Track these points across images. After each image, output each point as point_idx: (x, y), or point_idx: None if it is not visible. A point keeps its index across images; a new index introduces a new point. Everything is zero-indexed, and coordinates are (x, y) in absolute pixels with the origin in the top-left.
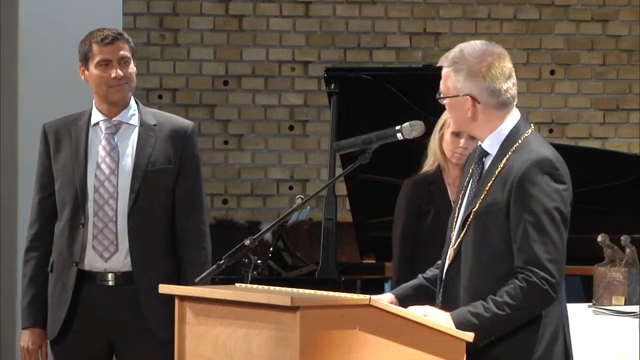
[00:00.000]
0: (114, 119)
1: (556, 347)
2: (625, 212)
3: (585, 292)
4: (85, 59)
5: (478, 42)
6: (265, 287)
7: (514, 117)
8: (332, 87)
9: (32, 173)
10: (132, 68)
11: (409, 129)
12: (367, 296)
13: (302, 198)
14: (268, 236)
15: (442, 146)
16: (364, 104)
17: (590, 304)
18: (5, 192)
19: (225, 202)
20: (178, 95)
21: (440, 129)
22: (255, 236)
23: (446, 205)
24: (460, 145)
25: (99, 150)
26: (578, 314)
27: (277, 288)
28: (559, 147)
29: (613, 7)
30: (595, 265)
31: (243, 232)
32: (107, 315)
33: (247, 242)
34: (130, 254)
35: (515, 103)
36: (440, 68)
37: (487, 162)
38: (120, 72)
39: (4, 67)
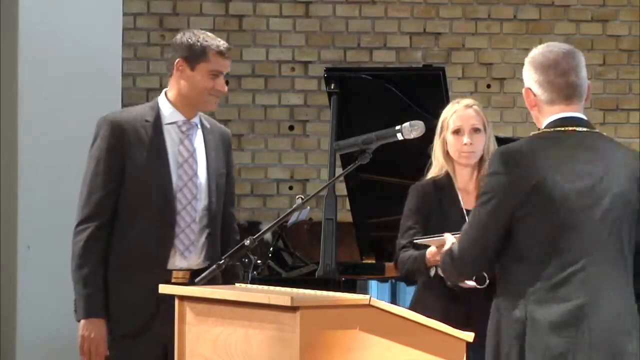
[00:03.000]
0: (191, 121)
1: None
2: None
3: None
4: (194, 59)
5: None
6: (265, 287)
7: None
8: (332, 87)
9: (32, 173)
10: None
11: (409, 129)
12: (367, 296)
13: (302, 198)
14: (268, 236)
15: (447, 150)
16: (364, 104)
17: None
18: (5, 192)
19: None
20: None
21: (441, 132)
22: (255, 236)
23: (457, 214)
24: (464, 142)
25: (180, 151)
26: None
27: (277, 288)
28: None
29: (613, 7)
30: None
31: (243, 232)
32: None
33: (247, 242)
34: (205, 253)
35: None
36: (434, 67)
37: None
38: (225, 88)
39: (4, 66)
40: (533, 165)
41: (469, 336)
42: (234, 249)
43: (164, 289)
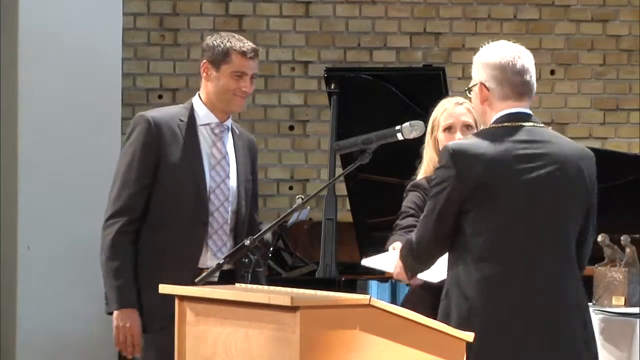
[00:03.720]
0: (224, 123)
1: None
2: (625, 212)
3: (586, 291)
4: (218, 60)
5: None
6: (265, 287)
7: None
8: (332, 87)
9: (32, 173)
10: (254, 83)
11: (409, 129)
12: (367, 296)
13: (302, 198)
14: (268, 236)
15: (439, 148)
16: (364, 103)
17: (591, 303)
18: (5, 192)
19: None
20: (178, 95)
21: (432, 132)
22: (255, 236)
23: None
24: (457, 139)
25: (213, 152)
26: None
27: (277, 288)
28: None
29: (613, 7)
30: (596, 265)
31: None
32: None
33: (247, 242)
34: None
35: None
36: (434, 67)
37: None
38: (251, 88)
39: (4, 66)
40: (481, 160)
41: (469, 336)
42: (233, 249)
43: (163, 288)
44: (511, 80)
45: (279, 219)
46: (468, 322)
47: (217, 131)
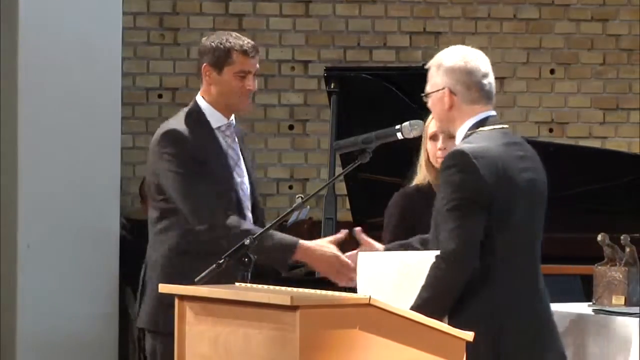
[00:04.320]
0: (230, 121)
1: None
2: (625, 212)
3: (585, 291)
4: (219, 62)
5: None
6: (265, 286)
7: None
8: (332, 87)
9: (32, 173)
10: (256, 82)
11: (408, 129)
12: (367, 295)
13: (302, 197)
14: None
15: (430, 158)
16: (363, 103)
17: (590, 303)
18: (5, 192)
19: None
20: (178, 95)
21: (423, 140)
22: (255, 235)
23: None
24: (438, 147)
25: (230, 154)
26: (578, 313)
27: (277, 287)
28: (559, 147)
29: (613, 6)
30: (595, 265)
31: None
32: None
33: (246, 241)
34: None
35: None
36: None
37: None
38: (255, 86)
39: (4, 66)
40: (496, 163)
41: (469, 335)
42: (233, 248)
43: (163, 288)
44: (479, 84)
45: (278, 218)
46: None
47: (228, 133)
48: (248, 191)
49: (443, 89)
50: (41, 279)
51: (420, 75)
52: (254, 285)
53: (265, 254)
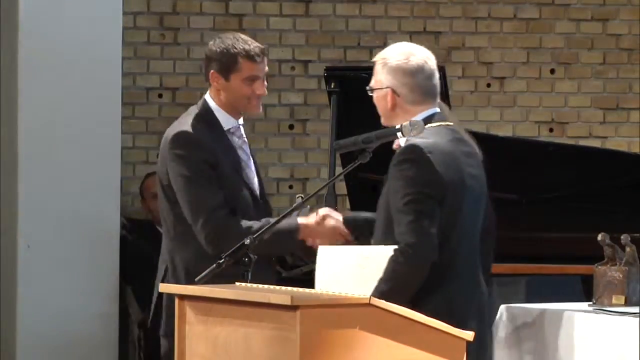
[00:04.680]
0: (240, 122)
1: None
2: (625, 211)
3: (585, 291)
4: (226, 69)
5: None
6: (265, 286)
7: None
8: (332, 86)
9: (32, 172)
10: (266, 82)
11: (409, 128)
12: (367, 295)
13: (302, 197)
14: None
15: None
16: (364, 103)
17: (590, 302)
18: (5, 192)
19: None
20: (178, 95)
21: None
22: (255, 235)
23: None
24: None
25: (240, 155)
26: (578, 312)
27: (277, 287)
28: (559, 147)
29: (613, 6)
30: (595, 264)
31: None
32: None
33: (247, 241)
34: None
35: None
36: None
37: None
38: (265, 89)
39: (4, 66)
40: (447, 158)
41: (469, 335)
42: (233, 247)
43: (163, 287)
44: (422, 85)
45: (278, 218)
46: None
47: (237, 134)
48: (258, 191)
49: (387, 88)
50: (41, 279)
51: None
52: (254, 285)
53: (269, 246)
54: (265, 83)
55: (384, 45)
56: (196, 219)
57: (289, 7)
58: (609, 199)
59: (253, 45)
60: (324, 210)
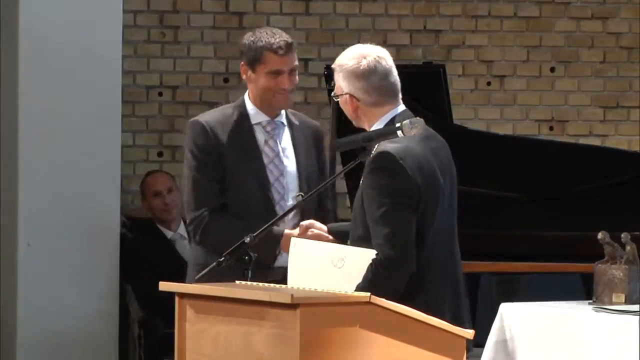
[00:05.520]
0: (276, 120)
1: None
2: (625, 210)
3: (586, 289)
4: (252, 62)
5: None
6: (266, 284)
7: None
8: (332, 85)
9: (32, 171)
10: (297, 76)
11: (409, 127)
12: (367, 293)
13: (302, 195)
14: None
15: None
16: None
17: (591, 301)
18: (5, 191)
19: None
20: (178, 93)
21: None
22: (255, 234)
23: None
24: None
25: (265, 151)
26: (578, 311)
27: (278, 285)
28: (559, 145)
29: (613, 4)
30: (596, 263)
31: None
32: None
33: (247, 239)
34: None
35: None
36: (434, 65)
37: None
38: (290, 84)
39: (4, 65)
40: (420, 162)
41: (469, 333)
42: (233, 246)
43: (163, 286)
44: (377, 86)
45: (278, 217)
46: None
47: (268, 129)
48: (287, 191)
49: (346, 94)
50: (41, 278)
51: (420, 73)
52: (255, 284)
53: (257, 248)
54: (293, 79)
55: (384, 43)
56: (187, 212)
57: (289, 6)
58: (609, 197)
59: (279, 38)
60: (306, 222)
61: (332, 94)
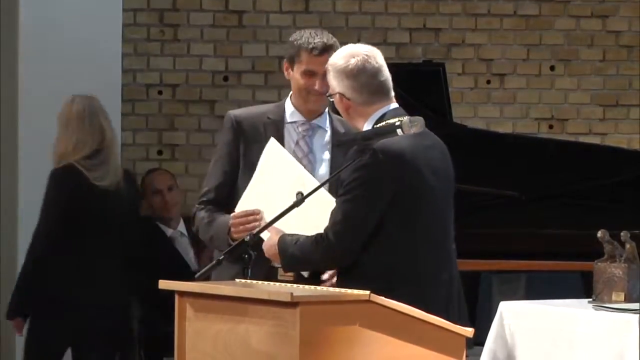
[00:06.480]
0: (312, 122)
1: None
2: (625, 208)
3: (585, 287)
4: (291, 60)
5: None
6: (265, 282)
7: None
8: None
9: (32, 172)
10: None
11: (408, 125)
12: (367, 291)
13: (301, 194)
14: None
15: None
16: None
17: (590, 299)
18: (5, 191)
19: None
20: (178, 91)
21: None
22: (255, 232)
23: None
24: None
25: (295, 151)
26: (578, 309)
27: (277, 284)
28: (558, 143)
29: (613, 2)
30: (595, 261)
31: None
32: None
33: (247, 238)
34: None
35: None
36: (434, 63)
37: None
38: (323, 86)
39: (4, 64)
40: (406, 158)
41: (469, 332)
42: (233, 245)
43: (163, 284)
44: (367, 85)
45: (277, 215)
46: None
47: (301, 129)
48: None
49: (337, 93)
50: None
51: (420, 72)
52: (254, 282)
53: (211, 236)
54: (325, 84)
55: (384, 41)
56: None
57: (288, 4)
58: (608, 195)
59: (317, 39)
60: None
61: (327, 93)
